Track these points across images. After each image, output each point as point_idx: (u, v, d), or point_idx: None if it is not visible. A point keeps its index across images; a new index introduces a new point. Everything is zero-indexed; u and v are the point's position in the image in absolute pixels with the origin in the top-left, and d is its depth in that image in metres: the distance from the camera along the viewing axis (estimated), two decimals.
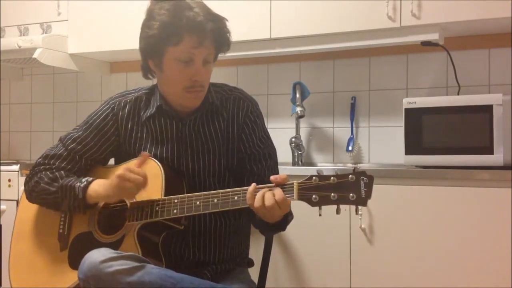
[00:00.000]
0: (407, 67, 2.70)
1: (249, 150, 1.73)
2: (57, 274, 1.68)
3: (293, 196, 1.46)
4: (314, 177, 1.44)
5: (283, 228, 1.66)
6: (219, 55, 1.73)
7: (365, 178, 1.42)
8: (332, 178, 1.43)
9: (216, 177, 1.71)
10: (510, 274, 1.95)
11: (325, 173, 1.46)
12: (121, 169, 1.57)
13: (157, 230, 1.62)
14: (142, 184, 1.56)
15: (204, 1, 1.68)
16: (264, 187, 1.49)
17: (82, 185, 1.64)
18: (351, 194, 1.41)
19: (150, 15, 1.65)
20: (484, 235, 2.01)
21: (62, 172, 1.72)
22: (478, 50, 2.56)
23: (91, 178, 1.67)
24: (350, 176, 1.42)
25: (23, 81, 3.68)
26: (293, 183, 1.46)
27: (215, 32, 1.63)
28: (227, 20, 1.67)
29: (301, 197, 1.45)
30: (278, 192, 1.46)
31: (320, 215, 1.44)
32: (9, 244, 1.80)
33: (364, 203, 1.42)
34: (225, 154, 1.73)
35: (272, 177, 1.48)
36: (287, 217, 1.62)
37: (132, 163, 1.69)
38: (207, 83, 1.70)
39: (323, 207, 1.45)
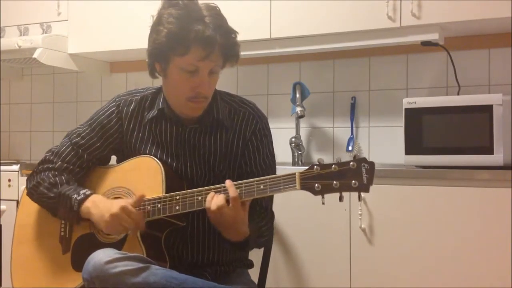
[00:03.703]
0: (407, 67, 2.70)
1: (249, 169, 1.72)
2: (60, 276, 1.68)
3: (295, 186, 1.45)
4: (315, 166, 1.44)
5: (244, 249, 1.64)
6: None
7: (366, 165, 1.41)
8: (333, 166, 1.43)
9: (212, 185, 1.70)
10: (510, 274, 1.95)
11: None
12: (117, 208, 1.54)
13: (160, 227, 1.62)
14: (134, 229, 1.57)
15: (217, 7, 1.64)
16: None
17: (78, 197, 1.63)
18: (353, 181, 1.41)
19: (159, 19, 1.61)
20: (484, 235, 2.01)
21: (64, 175, 1.71)
22: (478, 50, 2.56)
23: (89, 192, 1.65)
24: (351, 163, 1.41)
25: (23, 81, 3.68)
26: (294, 174, 1.46)
27: (223, 46, 1.59)
28: (237, 33, 1.63)
29: (303, 187, 1.44)
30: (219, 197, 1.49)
31: (323, 203, 1.43)
32: (9, 244, 1.80)
33: (366, 190, 1.41)
34: (225, 167, 1.71)
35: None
36: (247, 242, 1.59)
37: (133, 162, 1.70)
38: (211, 93, 1.68)
39: (326, 196, 1.44)
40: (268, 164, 1.75)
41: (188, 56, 1.57)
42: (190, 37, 1.54)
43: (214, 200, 1.49)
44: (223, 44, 1.59)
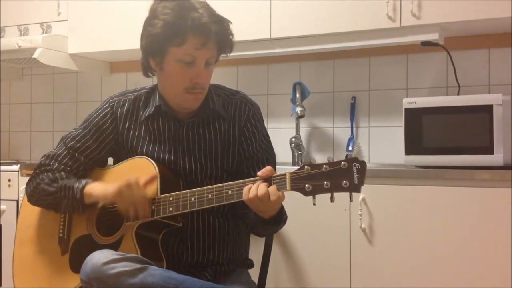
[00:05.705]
0: (407, 67, 2.70)
1: (248, 154, 1.73)
2: (59, 278, 1.69)
3: (285, 187, 1.45)
4: (306, 167, 1.43)
5: (277, 225, 1.64)
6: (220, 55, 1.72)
7: (357, 165, 1.40)
8: (324, 166, 1.42)
9: (213, 178, 1.70)
10: (510, 274, 1.95)
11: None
12: (126, 181, 1.56)
13: (156, 228, 1.62)
14: (139, 205, 1.57)
15: (206, 1, 1.68)
16: (256, 180, 1.48)
17: (80, 185, 1.64)
18: (344, 181, 1.40)
19: (153, 14, 1.64)
20: (484, 235, 2.01)
21: (63, 173, 1.72)
22: (478, 50, 2.55)
23: (90, 180, 1.67)
24: (342, 163, 1.41)
25: (23, 81, 3.68)
26: (285, 174, 1.45)
27: (219, 34, 1.62)
28: (230, 22, 1.66)
29: (294, 188, 1.44)
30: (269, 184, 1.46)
31: (314, 204, 1.43)
32: (8, 244, 1.80)
33: (357, 190, 1.40)
34: (224, 156, 1.73)
35: (259, 173, 1.48)
36: (282, 214, 1.60)
37: (127, 164, 1.70)
38: (208, 85, 1.70)
39: (317, 196, 1.43)
40: (264, 148, 1.76)
41: (186, 45, 1.59)
42: (187, 25, 1.57)
43: (252, 191, 1.46)
44: (218, 31, 1.61)
